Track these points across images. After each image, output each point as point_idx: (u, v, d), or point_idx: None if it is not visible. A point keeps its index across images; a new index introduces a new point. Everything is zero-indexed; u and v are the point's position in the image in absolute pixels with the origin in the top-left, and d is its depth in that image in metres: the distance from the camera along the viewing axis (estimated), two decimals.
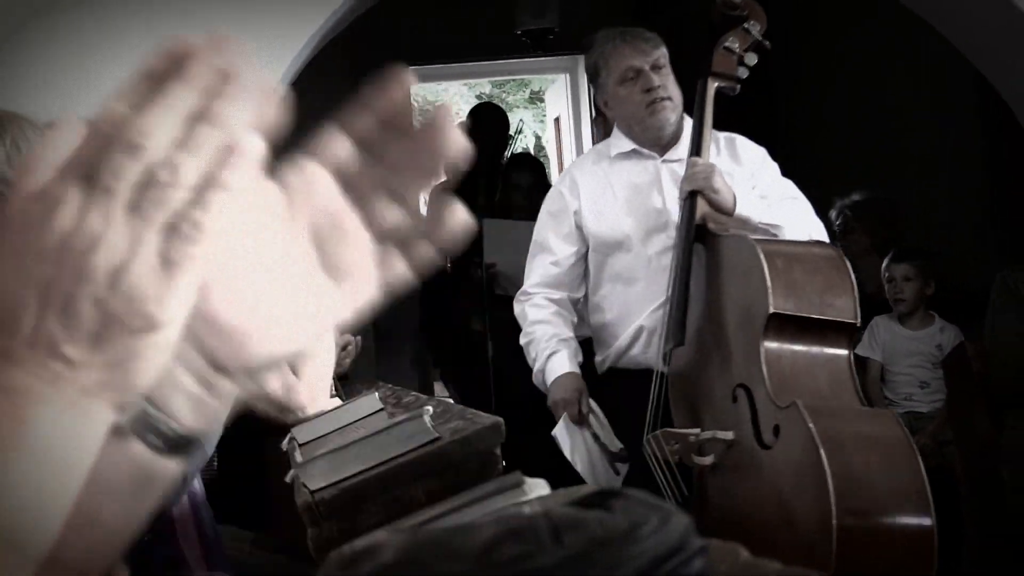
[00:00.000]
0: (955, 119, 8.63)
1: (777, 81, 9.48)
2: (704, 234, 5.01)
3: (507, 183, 8.51)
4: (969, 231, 8.18)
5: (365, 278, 1.02)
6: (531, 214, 7.63)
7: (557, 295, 5.54)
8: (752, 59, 5.23)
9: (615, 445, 5.46)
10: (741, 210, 4.96)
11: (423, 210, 1.05)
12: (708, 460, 4.68)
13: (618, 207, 5.49)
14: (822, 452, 4.11)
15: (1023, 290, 6.07)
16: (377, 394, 3.65)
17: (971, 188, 8.54)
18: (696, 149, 5.14)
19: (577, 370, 5.46)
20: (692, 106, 5.24)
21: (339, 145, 1.04)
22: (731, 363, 4.85)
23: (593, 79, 5.62)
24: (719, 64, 5.21)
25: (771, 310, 4.56)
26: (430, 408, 2.87)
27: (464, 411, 2.95)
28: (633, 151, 5.50)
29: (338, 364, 4.70)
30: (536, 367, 5.48)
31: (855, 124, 5.77)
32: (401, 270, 1.02)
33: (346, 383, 5.02)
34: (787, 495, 4.42)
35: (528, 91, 22.33)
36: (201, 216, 0.86)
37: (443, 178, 1.01)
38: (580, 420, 5.38)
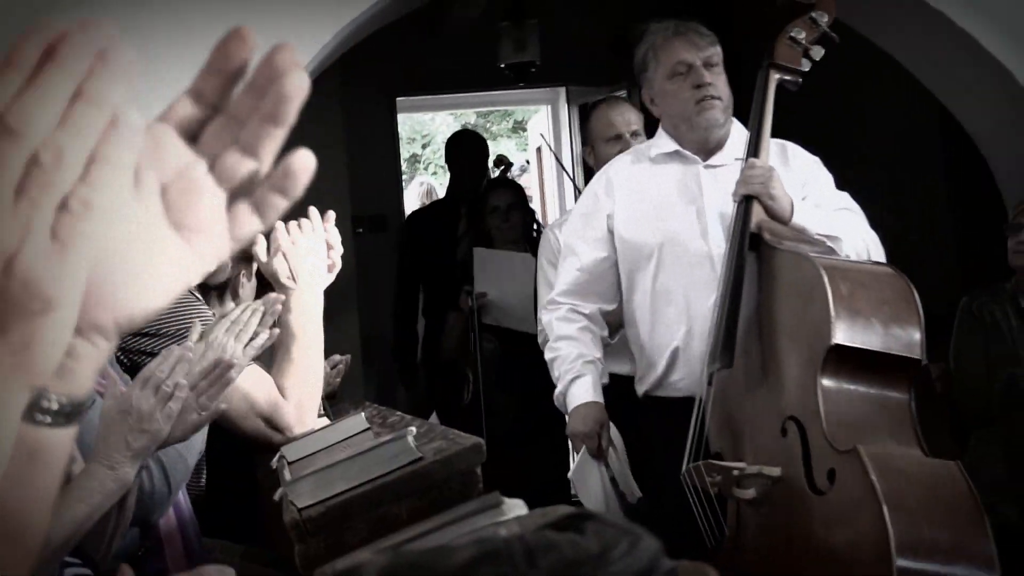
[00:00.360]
0: (919, 149, 8.68)
1: (738, 57, 9.50)
2: (758, 244, 4.47)
3: (484, 206, 8.11)
4: (934, 258, 8.20)
5: (216, 233, 0.99)
6: (510, 236, 7.76)
7: (587, 308, 5.04)
8: (818, 53, 4.68)
9: (633, 494, 5.08)
10: (798, 219, 4.46)
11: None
12: (750, 494, 4.20)
13: (652, 213, 4.97)
14: (885, 511, 3.67)
15: (986, 315, 6.08)
16: (363, 414, 3.65)
17: (936, 216, 8.58)
18: (754, 149, 4.63)
19: (600, 399, 4.97)
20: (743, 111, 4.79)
21: (184, 105, 1.00)
22: (783, 393, 4.31)
23: (640, 73, 5.00)
24: (782, 56, 4.67)
25: (834, 342, 4.03)
26: (413, 429, 2.88)
27: (447, 432, 2.96)
28: (675, 152, 4.97)
29: (328, 383, 4.66)
30: (558, 388, 5.01)
31: (821, 153, 5.78)
32: (254, 223, 1.00)
33: (334, 402, 5.00)
34: (839, 548, 3.99)
35: (511, 121, 22.29)
36: (88, 193, 0.86)
37: (289, 123, 0.98)
38: (598, 455, 4.98)
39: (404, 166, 12.72)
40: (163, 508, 2.92)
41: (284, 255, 3.80)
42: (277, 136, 0.96)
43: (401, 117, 10.86)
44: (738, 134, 4.95)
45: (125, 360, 3.51)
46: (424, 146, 22.66)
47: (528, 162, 13.96)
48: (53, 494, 1.09)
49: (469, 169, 8.66)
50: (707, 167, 4.97)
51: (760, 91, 4.71)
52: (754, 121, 4.71)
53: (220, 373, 2.92)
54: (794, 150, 5.02)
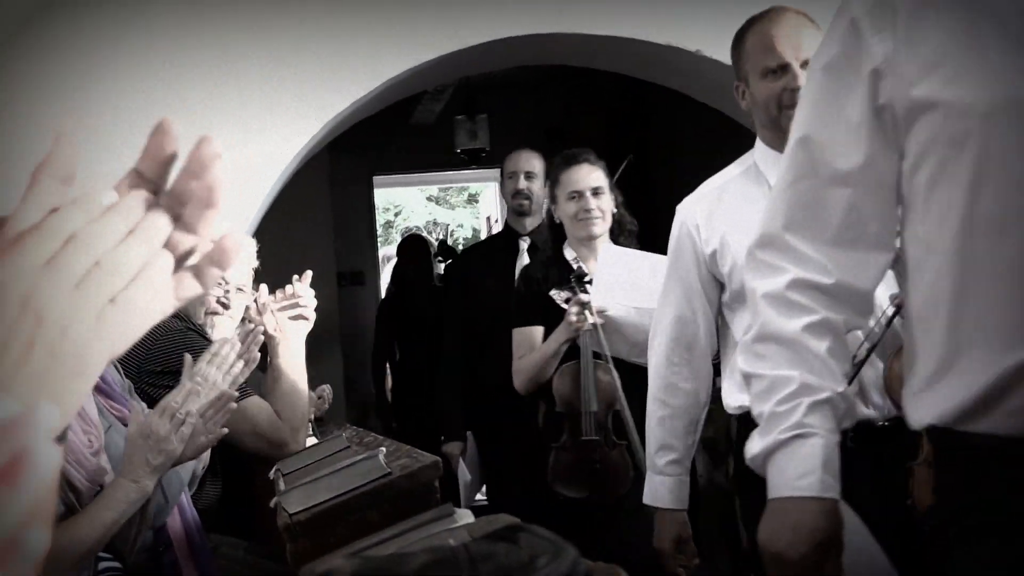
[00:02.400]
0: None
1: (655, 147, 9.54)
2: None
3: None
4: None
5: (162, 289, 0.99)
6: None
7: (837, 294, 2.29)
8: None
9: None
10: None
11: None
12: None
13: None
14: None
15: None
16: (344, 435, 3.67)
17: None
18: None
19: (832, 492, 2.28)
20: None
21: (129, 184, 1.00)
22: None
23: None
24: None
25: None
26: (384, 448, 2.90)
27: (411, 451, 2.97)
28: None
29: (315, 409, 4.71)
30: (762, 441, 2.36)
31: None
32: (195, 287, 1.00)
33: (321, 425, 4.99)
34: None
35: (466, 194, 22.40)
36: (133, 296, 0.91)
37: (217, 205, 0.99)
38: None
39: (379, 231, 12.68)
40: (163, 515, 2.95)
41: (271, 312, 3.87)
42: (211, 215, 0.98)
43: (377, 191, 10.87)
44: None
45: (150, 391, 3.51)
46: (396, 214, 22.71)
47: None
48: (55, 496, 1.09)
49: (418, 265, 8.68)
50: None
51: None
52: None
53: (223, 404, 2.99)
54: None
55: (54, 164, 0.91)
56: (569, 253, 4.88)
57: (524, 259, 5.67)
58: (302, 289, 4.03)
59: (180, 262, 1.01)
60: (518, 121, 10.43)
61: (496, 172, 11.85)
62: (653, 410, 3.71)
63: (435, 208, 23.18)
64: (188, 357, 3.33)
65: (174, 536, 3.12)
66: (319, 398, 5.03)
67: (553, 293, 4.63)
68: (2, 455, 0.74)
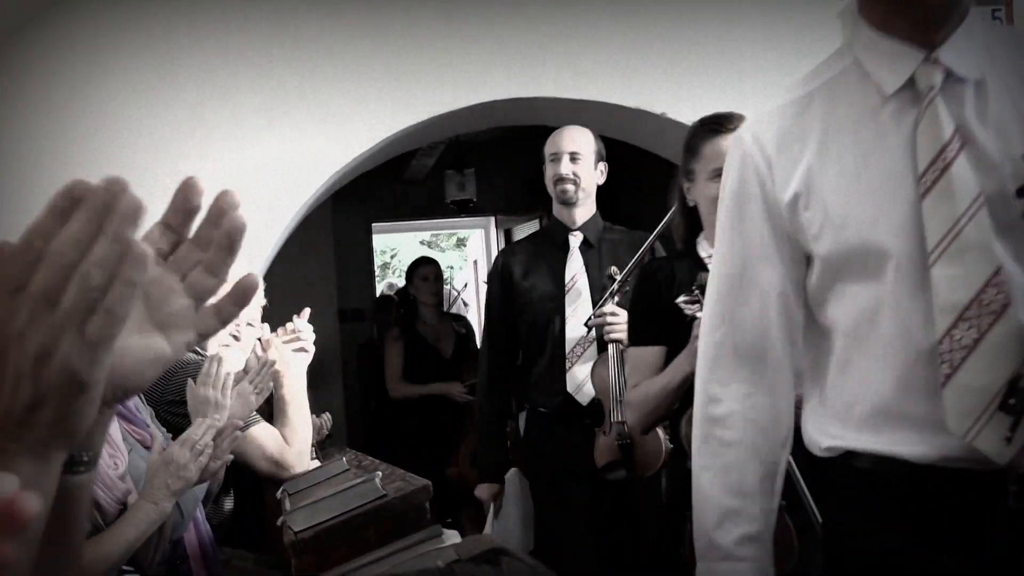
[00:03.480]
0: None
1: (623, 195, 9.54)
2: None
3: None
4: None
5: (184, 328, 1.00)
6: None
7: None
8: None
9: None
10: None
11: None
12: None
13: None
14: None
15: None
16: (344, 459, 3.66)
17: None
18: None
19: None
20: None
21: (156, 232, 1.02)
22: None
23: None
24: None
25: None
26: (380, 472, 2.89)
27: (404, 475, 2.95)
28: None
29: (317, 434, 4.70)
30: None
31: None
32: (212, 324, 1.01)
33: (324, 448, 4.97)
34: None
35: (455, 240, 22.46)
36: (115, 305, 0.87)
37: (238, 251, 1.00)
38: None
39: (377, 272, 12.64)
40: (180, 530, 2.95)
41: (276, 349, 3.88)
42: (230, 260, 0.98)
43: (375, 236, 10.84)
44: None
45: (168, 417, 3.52)
46: (392, 256, 22.78)
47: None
48: (88, 516, 1.08)
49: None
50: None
51: None
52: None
53: (229, 432, 2.99)
54: None
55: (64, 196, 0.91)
56: (705, 249, 3.38)
57: (576, 258, 4.56)
58: (302, 324, 4.05)
59: (202, 301, 1.02)
60: (502, 175, 10.49)
61: (482, 220, 11.94)
62: (697, 460, 2.23)
63: (427, 251, 23.17)
64: (189, 391, 3.36)
65: (190, 549, 3.12)
66: (319, 428, 5.02)
67: (681, 301, 3.17)
68: None
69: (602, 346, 4.24)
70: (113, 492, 2.71)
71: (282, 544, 2.87)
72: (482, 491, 4.81)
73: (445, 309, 7.94)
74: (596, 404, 4.31)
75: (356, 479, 2.91)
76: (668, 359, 3.27)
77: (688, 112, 5.32)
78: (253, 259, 4.97)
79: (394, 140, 5.35)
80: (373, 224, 10.69)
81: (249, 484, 4.01)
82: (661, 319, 3.31)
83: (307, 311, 4.12)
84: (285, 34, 5.15)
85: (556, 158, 4.60)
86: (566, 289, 4.52)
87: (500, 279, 4.79)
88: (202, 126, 5.06)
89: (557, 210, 4.68)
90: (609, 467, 4.18)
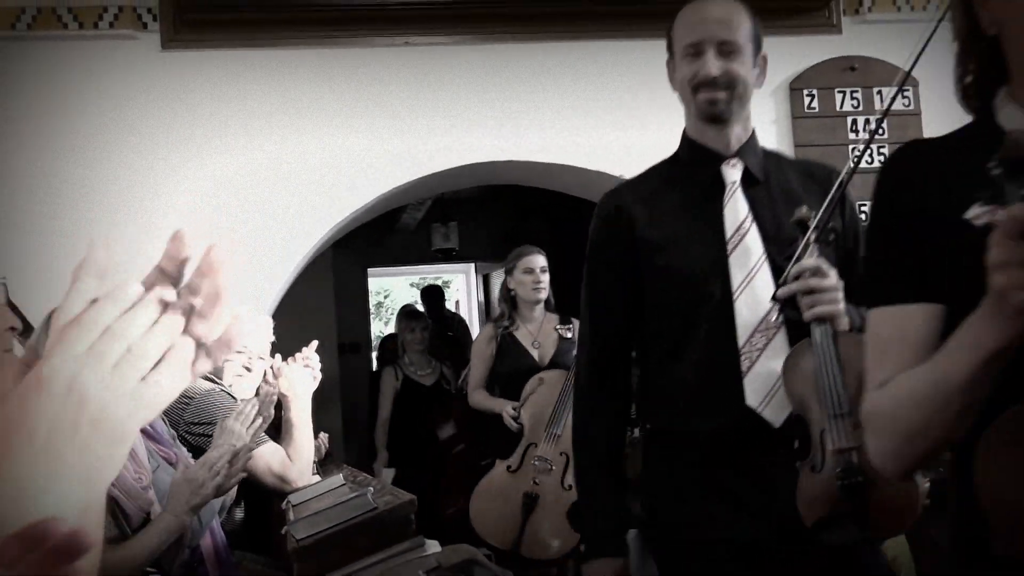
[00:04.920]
0: None
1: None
2: None
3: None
4: None
5: (182, 369, 0.98)
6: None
7: None
8: None
9: None
10: None
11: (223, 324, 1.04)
12: None
13: None
14: None
15: None
16: (341, 475, 3.65)
17: None
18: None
19: None
20: None
21: (153, 278, 0.98)
22: None
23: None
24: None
25: None
26: (372, 488, 2.86)
27: (393, 490, 2.94)
28: None
29: (317, 453, 4.68)
30: None
31: None
32: (208, 364, 1.00)
33: (324, 465, 4.94)
34: None
35: (441, 282, 22.46)
36: (159, 378, 0.89)
37: (226, 299, 0.99)
38: None
39: (372, 310, 12.64)
40: (198, 537, 2.95)
41: (287, 377, 3.87)
42: (220, 307, 0.97)
43: (370, 280, 10.84)
44: None
45: (188, 438, 3.53)
46: (385, 297, 22.71)
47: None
48: (101, 530, 1.07)
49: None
50: None
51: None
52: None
53: (244, 454, 2.99)
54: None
55: (91, 265, 0.90)
56: (1012, 112, 1.50)
57: (738, 200, 2.52)
58: (310, 353, 4.05)
59: (195, 343, 1.01)
60: (481, 227, 10.53)
61: (464, 266, 11.98)
62: None
63: (416, 292, 23.24)
64: (220, 421, 3.37)
65: (206, 553, 3.10)
66: (318, 445, 5.00)
67: (977, 213, 1.44)
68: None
69: (796, 331, 2.38)
70: (138, 502, 2.71)
71: (286, 549, 2.86)
72: (597, 569, 2.51)
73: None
74: (793, 424, 2.36)
75: (351, 493, 2.90)
76: (947, 330, 1.45)
77: None
78: (269, 285, 4.97)
79: (387, 196, 5.37)
80: (369, 268, 10.70)
81: (258, 496, 4.00)
82: (928, 254, 1.53)
83: (314, 343, 4.11)
84: (290, 104, 5.16)
85: (696, 50, 2.55)
86: (728, 247, 2.47)
87: (613, 233, 2.61)
88: (220, 183, 5.05)
89: (697, 130, 2.65)
90: (828, 524, 2.27)
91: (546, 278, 5.44)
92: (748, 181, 2.55)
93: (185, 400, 3.59)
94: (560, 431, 4.96)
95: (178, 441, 3.35)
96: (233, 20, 5.06)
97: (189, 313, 0.98)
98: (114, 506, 2.61)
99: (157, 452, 3.07)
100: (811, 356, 2.32)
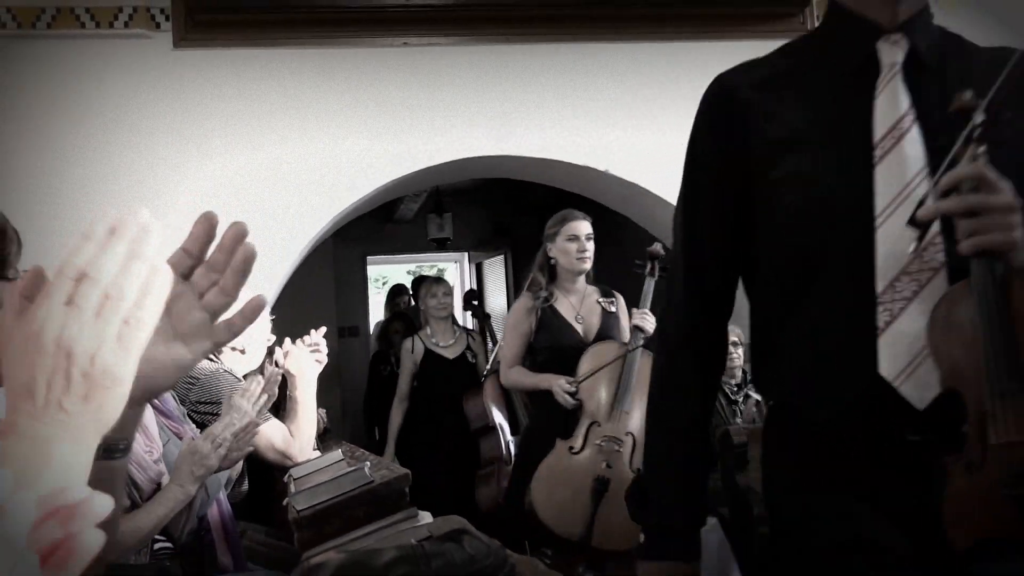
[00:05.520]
0: None
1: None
2: None
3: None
4: None
5: (201, 338, 1.00)
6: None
7: None
8: None
9: None
10: None
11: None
12: None
13: None
14: None
15: None
16: (340, 451, 3.65)
17: None
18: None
19: None
20: None
21: (178, 256, 1.03)
22: None
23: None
24: None
25: None
26: (368, 462, 2.87)
27: (389, 464, 2.94)
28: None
29: (317, 429, 4.69)
30: None
31: None
32: (224, 335, 1.01)
33: (324, 440, 4.95)
34: None
35: (436, 270, 22.48)
36: (142, 314, 0.88)
37: (249, 274, 1.00)
38: None
39: (371, 296, 12.65)
40: (205, 507, 2.95)
41: (295, 358, 3.86)
42: (242, 282, 0.98)
43: (369, 267, 10.84)
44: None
45: (194, 415, 3.53)
46: (383, 284, 22.66)
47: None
48: (123, 497, 1.07)
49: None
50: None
51: None
52: None
53: (250, 429, 2.98)
54: None
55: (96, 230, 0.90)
56: None
57: (897, 91, 1.62)
58: (319, 338, 4.04)
59: (216, 316, 1.02)
60: (474, 218, 10.53)
61: (457, 255, 11.97)
62: None
63: (412, 279, 23.24)
64: (227, 398, 3.36)
65: (212, 523, 3.11)
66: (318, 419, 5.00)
67: None
68: (55, 535, 0.73)
69: (957, 269, 1.55)
70: (148, 473, 2.74)
71: (288, 519, 2.86)
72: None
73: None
74: (945, 403, 1.54)
75: (348, 468, 2.90)
76: None
77: (627, 169, 5.37)
78: (268, 284, 4.96)
79: (385, 189, 5.36)
80: (367, 257, 10.70)
81: (261, 470, 4.00)
82: None
83: (323, 329, 4.10)
84: (292, 100, 5.15)
85: None
86: (876, 153, 1.62)
87: (719, 128, 1.77)
88: (230, 175, 5.05)
89: None
90: (987, 553, 1.46)
91: (591, 246, 4.73)
92: (914, 65, 1.68)
93: (191, 380, 3.59)
94: (628, 408, 4.37)
95: (187, 417, 3.36)
96: (240, 21, 5.06)
97: (207, 284, 1.00)
98: (126, 477, 2.61)
99: (167, 427, 3.09)
100: (969, 305, 1.52)
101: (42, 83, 4.93)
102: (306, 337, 4.04)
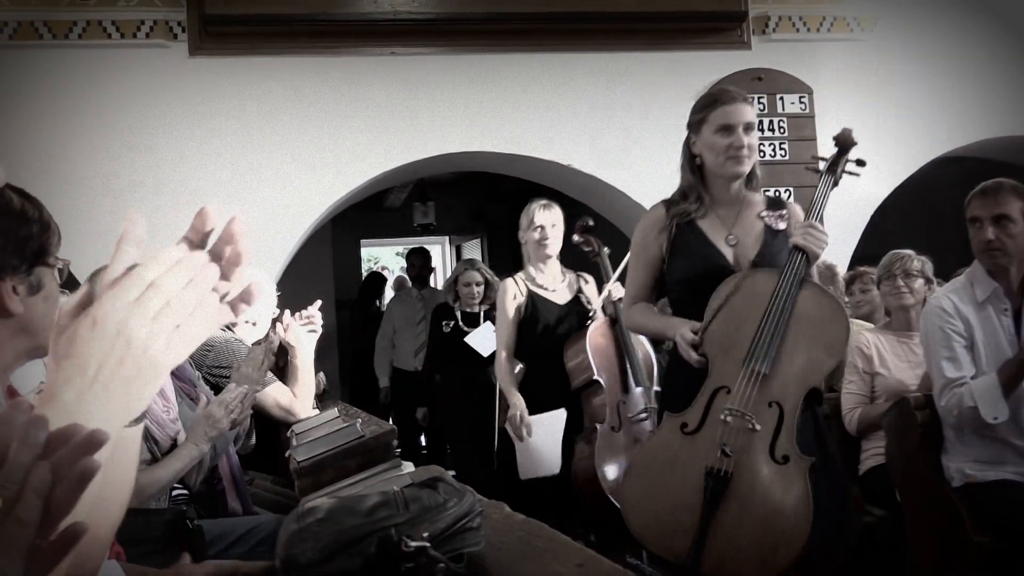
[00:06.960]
0: None
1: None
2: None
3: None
4: None
5: (208, 321, 0.98)
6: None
7: None
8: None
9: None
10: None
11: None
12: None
13: None
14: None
15: None
16: (336, 409, 3.64)
17: None
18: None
19: None
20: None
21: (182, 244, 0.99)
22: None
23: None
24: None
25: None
26: (360, 419, 2.86)
27: (378, 421, 2.94)
28: None
29: (316, 387, 4.68)
30: None
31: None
32: (228, 315, 1.00)
33: (323, 400, 4.93)
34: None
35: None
36: (190, 325, 0.88)
37: (246, 262, 0.98)
38: None
39: (363, 274, 12.63)
40: (216, 459, 2.97)
41: (294, 330, 3.85)
42: (241, 269, 0.96)
43: (363, 249, 10.84)
44: None
45: (209, 378, 3.52)
46: (375, 264, 22.64)
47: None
48: (137, 455, 1.06)
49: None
50: None
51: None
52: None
53: (251, 393, 2.98)
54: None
55: (130, 236, 0.89)
56: None
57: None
58: (314, 311, 4.03)
59: (219, 299, 1.01)
60: (454, 206, 10.51)
61: (440, 239, 11.96)
62: None
63: (401, 260, 23.14)
64: (236, 366, 3.35)
65: (223, 473, 3.11)
66: (317, 382, 4.98)
67: None
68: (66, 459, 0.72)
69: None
70: (166, 431, 2.75)
71: (290, 469, 2.86)
72: None
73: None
74: None
75: (343, 424, 2.90)
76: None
77: (589, 164, 5.38)
78: (273, 264, 4.96)
79: (377, 180, 5.37)
80: (361, 240, 10.69)
81: (268, 427, 4.00)
82: None
83: (319, 302, 4.09)
84: (293, 101, 5.15)
85: None
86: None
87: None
88: (236, 170, 5.03)
89: None
90: None
91: (754, 140, 2.84)
92: None
93: (208, 347, 3.59)
94: (766, 368, 2.60)
95: (201, 381, 3.35)
96: (248, 32, 5.10)
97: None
98: (146, 434, 2.61)
99: (182, 390, 3.09)
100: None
101: (74, 87, 4.94)
102: (302, 311, 4.03)
